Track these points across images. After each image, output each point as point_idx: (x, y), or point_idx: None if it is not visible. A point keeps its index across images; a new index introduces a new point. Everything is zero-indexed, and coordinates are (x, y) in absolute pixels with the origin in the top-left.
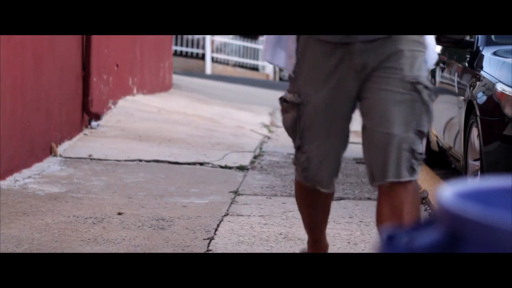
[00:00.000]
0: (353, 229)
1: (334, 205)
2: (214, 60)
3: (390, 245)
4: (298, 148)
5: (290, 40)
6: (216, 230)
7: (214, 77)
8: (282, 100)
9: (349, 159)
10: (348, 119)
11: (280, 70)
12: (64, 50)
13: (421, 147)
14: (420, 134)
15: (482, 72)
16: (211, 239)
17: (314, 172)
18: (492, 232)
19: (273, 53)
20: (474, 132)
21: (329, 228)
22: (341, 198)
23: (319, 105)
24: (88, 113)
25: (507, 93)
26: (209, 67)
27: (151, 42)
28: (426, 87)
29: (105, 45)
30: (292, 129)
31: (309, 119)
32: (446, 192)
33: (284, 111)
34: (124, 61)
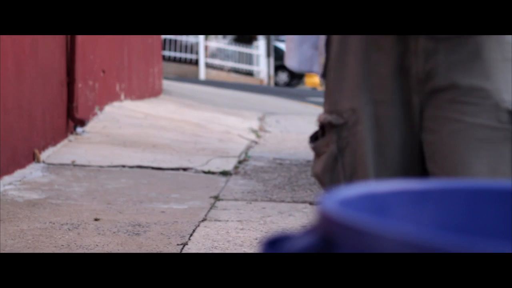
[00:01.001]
0: None
1: None
2: (208, 66)
3: (269, 249)
4: None
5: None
6: (191, 235)
7: (207, 82)
8: (313, 138)
9: None
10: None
11: (276, 74)
12: (47, 56)
13: None
14: None
15: None
16: (185, 244)
17: None
18: (361, 236)
19: (299, 57)
20: None
21: None
22: None
23: (371, 127)
24: (73, 119)
25: None
26: (202, 73)
27: (140, 48)
28: None
29: (91, 51)
30: (331, 171)
31: (360, 149)
32: (325, 198)
33: (317, 152)
34: (111, 66)
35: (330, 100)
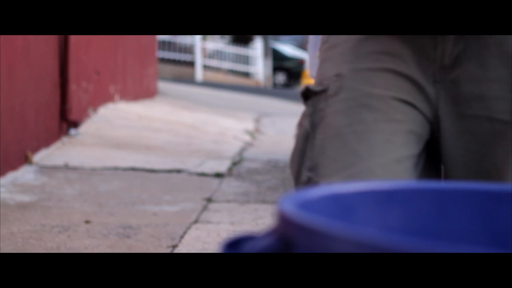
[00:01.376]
0: None
1: None
2: (205, 67)
3: (229, 250)
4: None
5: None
6: (182, 237)
7: (203, 84)
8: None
9: None
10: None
11: (274, 75)
12: (40, 57)
13: None
14: None
15: None
16: (175, 246)
17: None
18: (317, 237)
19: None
20: None
21: None
22: None
23: (355, 98)
24: (66, 121)
25: None
26: (199, 74)
27: (134, 49)
28: None
29: (84, 52)
30: (299, 157)
31: (334, 125)
32: (285, 198)
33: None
34: (105, 68)
35: (318, 74)
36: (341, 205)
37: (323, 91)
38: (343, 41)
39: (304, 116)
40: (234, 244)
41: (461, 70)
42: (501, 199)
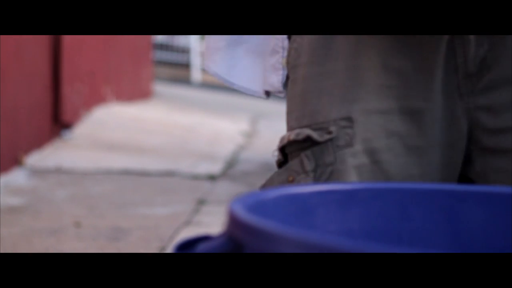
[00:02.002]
0: None
1: None
2: (202, 69)
3: (179, 250)
4: None
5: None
6: (171, 239)
7: (200, 85)
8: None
9: None
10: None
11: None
12: (32, 58)
13: None
14: None
15: None
16: (163, 248)
17: None
18: (263, 238)
19: (228, 63)
20: None
21: None
22: None
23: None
24: (59, 123)
25: None
26: (196, 76)
27: (129, 50)
28: None
29: (78, 53)
30: None
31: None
32: (235, 200)
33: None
34: (99, 69)
35: (304, 111)
36: (300, 206)
37: (329, 140)
38: (336, 62)
39: (295, 172)
40: (188, 244)
41: (492, 74)
42: (464, 199)
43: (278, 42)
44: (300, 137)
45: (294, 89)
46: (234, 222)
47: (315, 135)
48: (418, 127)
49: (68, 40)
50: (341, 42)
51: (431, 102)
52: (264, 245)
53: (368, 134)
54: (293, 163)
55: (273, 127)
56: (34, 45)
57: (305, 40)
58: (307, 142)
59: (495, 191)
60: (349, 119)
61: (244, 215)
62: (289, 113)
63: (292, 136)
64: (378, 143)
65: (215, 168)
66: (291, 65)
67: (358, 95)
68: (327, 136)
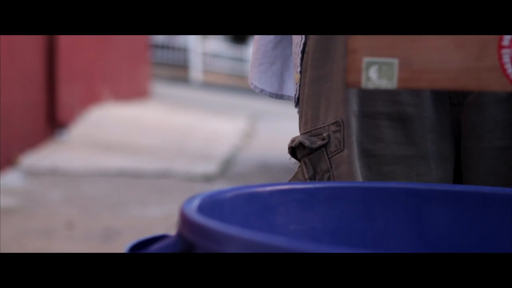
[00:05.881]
0: None
1: None
2: (204, 69)
3: (132, 250)
4: None
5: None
6: None
7: (199, 85)
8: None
9: None
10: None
11: None
12: (27, 58)
13: None
14: None
15: None
16: None
17: None
18: (212, 237)
19: (271, 78)
20: None
21: None
22: None
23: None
24: (55, 123)
25: None
26: (196, 76)
27: (126, 49)
28: None
29: (74, 53)
30: None
31: None
32: (188, 200)
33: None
34: (95, 69)
35: (307, 116)
36: (260, 205)
37: (322, 146)
38: (332, 64)
39: (299, 180)
40: (144, 244)
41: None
42: (429, 198)
43: (297, 57)
44: (294, 144)
45: (302, 93)
46: (184, 222)
47: (307, 142)
48: (408, 135)
49: (64, 39)
50: (338, 44)
51: (421, 109)
52: (212, 245)
53: (356, 137)
54: (298, 171)
55: (270, 127)
56: (28, 45)
57: (311, 41)
58: (306, 149)
59: (460, 190)
60: (337, 123)
61: (193, 215)
62: (299, 118)
63: (289, 143)
64: (367, 147)
65: (212, 168)
66: (303, 69)
67: (347, 97)
68: (320, 142)
